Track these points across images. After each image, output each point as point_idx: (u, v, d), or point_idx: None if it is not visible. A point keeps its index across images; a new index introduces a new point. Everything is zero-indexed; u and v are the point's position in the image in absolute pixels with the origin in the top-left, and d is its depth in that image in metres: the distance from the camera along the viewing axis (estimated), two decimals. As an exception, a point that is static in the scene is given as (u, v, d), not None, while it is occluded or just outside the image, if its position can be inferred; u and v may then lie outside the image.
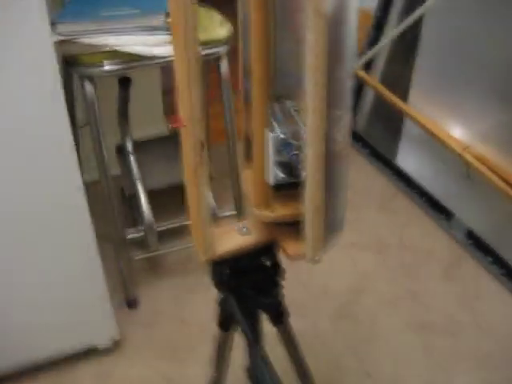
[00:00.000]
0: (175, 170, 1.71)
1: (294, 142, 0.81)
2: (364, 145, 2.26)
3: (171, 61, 0.74)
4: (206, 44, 1.48)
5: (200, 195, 0.83)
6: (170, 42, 1.41)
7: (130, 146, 1.66)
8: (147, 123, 2.04)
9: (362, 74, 2.18)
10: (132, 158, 1.66)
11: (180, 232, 1.78)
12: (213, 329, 1.58)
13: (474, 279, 1.74)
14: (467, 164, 1.76)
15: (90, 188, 1.38)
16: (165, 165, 1.73)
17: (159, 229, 1.66)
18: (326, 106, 0.68)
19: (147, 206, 1.62)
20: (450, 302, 1.68)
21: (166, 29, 1.41)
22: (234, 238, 0.93)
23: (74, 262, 1.38)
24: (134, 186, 1.65)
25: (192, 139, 0.78)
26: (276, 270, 0.96)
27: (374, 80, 2.18)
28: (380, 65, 2.22)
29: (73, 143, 1.23)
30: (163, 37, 1.41)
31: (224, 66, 1.55)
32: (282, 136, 0.80)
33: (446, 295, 1.70)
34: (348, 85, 0.70)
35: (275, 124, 0.81)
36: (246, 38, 0.80)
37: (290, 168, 0.83)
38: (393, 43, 2.12)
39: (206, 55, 1.49)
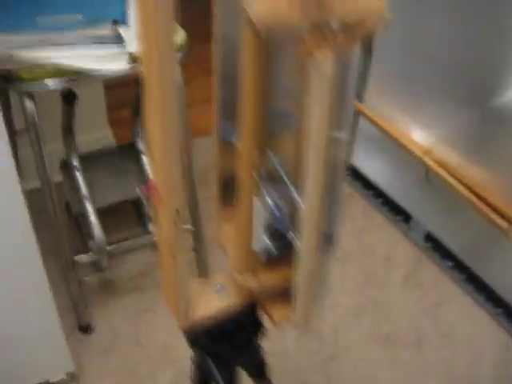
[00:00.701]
0: (124, 185, 1.62)
1: (284, 211, 0.73)
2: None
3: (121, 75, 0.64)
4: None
5: (176, 266, 0.74)
6: (120, 55, 1.30)
7: (76, 162, 1.54)
8: (91, 134, 1.91)
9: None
10: (78, 174, 1.54)
11: (132, 247, 1.69)
12: (173, 352, 1.52)
13: (435, 285, 1.74)
14: (427, 168, 1.73)
15: (34, 205, 1.25)
16: (113, 180, 1.61)
17: (110, 248, 1.55)
18: (324, 189, 0.61)
19: (98, 227, 1.51)
20: (412, 311, 1.67)
21: (115, 39, 1.29)
22: (211, 302, 0.85)
23: (19, 289, 1.26)
24: (82, 204, 1.53)
25: (167, 209, 0.69)
26: (257, 328, 0.89)
27: None
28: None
29: (10, 153, 1.08)
30: (112, 49, 1.29)
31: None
32: (271, 203, 0.72)
33: (407, 303, 1.69)
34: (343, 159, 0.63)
35: (262, 187, 0.73)
36: (227, 71, 0.71)
37: (279, 233, 0.76)
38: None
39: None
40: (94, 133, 1.95)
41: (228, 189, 0.84)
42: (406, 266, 1.80)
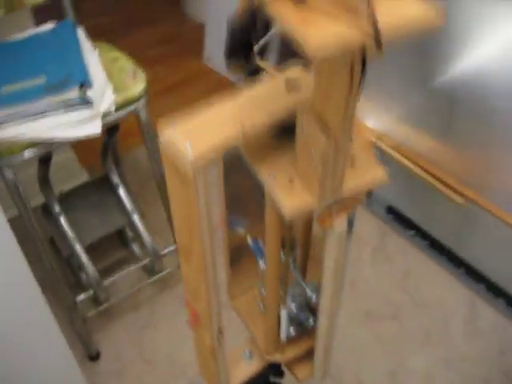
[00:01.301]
0: (107, 218, 1.69)
1: (304, 308, 0.86)
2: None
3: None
4: (123, 106, 1.41)
5: (218, 363, 0.86)
6: (92, 117, 1.34)
7: (57, 208, 1.59)
8: (65, 175, 1.94)
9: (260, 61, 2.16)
10: (62, 219, 1.60)
11: (119, 267, 1.79)
12: (179, 362, 1.66)
13: (402, 255, 1.92)
14: (382, 152, 1.86)
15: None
16: (95, 215, 1.68)
17: (107, 282, 1.65)
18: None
19: (90, 265, 1.59)
20: (386, 284, 1.85)
21: (84, 102, 1.33)
22: (243, 368, 0.98)
23: (26, 330, 1.32)
24: (70, 246, 1.60)
25: (210, 331, 0.81)
26: (280, 375, 1.03)
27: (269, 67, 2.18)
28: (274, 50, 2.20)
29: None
30: (83, 112, 1.33)
31: (144, 115, 1.49)
32: (295, 309, 0.85)
33: (380, 277, 1.87)
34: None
35: (287, 298, 0.85)
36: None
37: (301, 322, 0.89)
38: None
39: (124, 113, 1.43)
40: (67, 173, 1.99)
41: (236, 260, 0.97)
42: (372, 240, 1.97)
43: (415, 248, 1.93)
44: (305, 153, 0.65)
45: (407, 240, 1.95)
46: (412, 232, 1.94)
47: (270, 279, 0.83)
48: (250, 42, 0.54)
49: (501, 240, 1.74)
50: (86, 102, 1.33)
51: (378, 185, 0.70)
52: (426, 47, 1.74)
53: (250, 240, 0.95)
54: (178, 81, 2.46)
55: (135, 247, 1.83)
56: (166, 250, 1.73)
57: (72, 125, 1.32)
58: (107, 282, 1.65)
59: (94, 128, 1.32)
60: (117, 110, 1.39)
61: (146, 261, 1.72)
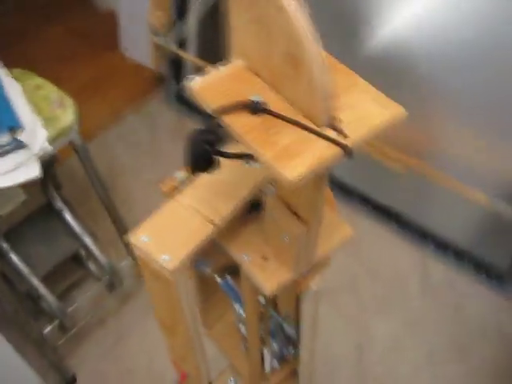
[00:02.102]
0: (57, 245, 1.66)
1: (286, 346, 0.90)
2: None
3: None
4: (57, 137, 1.37)
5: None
6: (28, 160, 1.29)
7: (4, 245, 1.55)
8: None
9: (178, 50, 2.13)
10: (12, 256, 1.56)
11: (78, 287, 1.78)
12: (158, 366, 1.69)
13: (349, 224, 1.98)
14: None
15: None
16: (45, 245, 1.64)
17: (70, 309, 1.64)
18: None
19: (52, 299, 1.57)
20: (339, 256, 1.92)
21: (17, 146, 1.28)
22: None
23: None
24: (26, 281, 1.57)
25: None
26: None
27: (189, 55, 2.15)
28: (193, 38, 2.17)
29: None
30: (18, 157, 1.28)
31: (79, 141, 1.46)
32: (276, 347, 0.88)
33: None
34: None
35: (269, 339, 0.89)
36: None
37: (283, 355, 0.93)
38: (203, 9, 2.06)
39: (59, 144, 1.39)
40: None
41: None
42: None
43: (361, 215, 2.00)
44: (276, 235, 0.66)
45: (352, 208, 2.01)
46: (356, 199, 2.01)
47: (251, 330, 0.85)
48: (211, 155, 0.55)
49: (444, 199, 1.83)
50: (19, 146, 1.28)
51: (345, 242, 0.73)
52: (348, 20, 1.75)
53: (219, 280, 0.96)
54: (97, 77, 2.37)
55: (91, 265, 1.81)
56: (122, 264, 1.73)
57: (9, 171, 1.27)
58: (70, 308, 1.64)
59: (33, 171, 1.28)
60: (51, 142, 1.35)
61: (104, 278, 1.71)
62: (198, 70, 2.00)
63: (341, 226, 0.73)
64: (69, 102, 1.42)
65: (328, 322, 1.78)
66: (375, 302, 1.82)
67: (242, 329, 0.96)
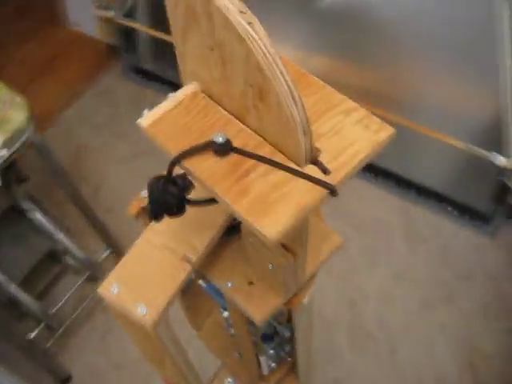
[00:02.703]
0: (29, 248, 1.59)
1: (282, 347, 0.86)
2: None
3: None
4: (13, 140, 1.28)
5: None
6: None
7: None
8: None
9: (127, 20, 2.01)
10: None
11: (59, 283, 1.72)
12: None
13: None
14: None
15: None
16: (17, 249, 1.57)
17: (54, 310, 1.58)
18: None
19: (34, 303, 1.52)
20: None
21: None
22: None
23: None
24: (4, 289, 1.51)
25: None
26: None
27: (139, 24, 2.03)
28: (142, 4, 2.04)
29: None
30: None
31: (37, 140, 1.36)
32: (272, 352, 0.84)
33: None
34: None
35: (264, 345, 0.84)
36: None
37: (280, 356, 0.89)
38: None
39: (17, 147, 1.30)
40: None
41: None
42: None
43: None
44: (259, 262, 0.60)
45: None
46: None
47: (244, 340, 0.80)
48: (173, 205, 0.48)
49: (420, 148, 1.79)
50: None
51: (335, 252, 0.68)
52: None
53: (203, 283, 0.91)
54: (49, 56, 2.23)
55: (69, 260, 1.74)
56: (102, 256, 1.67)
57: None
58: (54, 309, 1.58)
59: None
60: (6, 146, 1.26)
61: (85, 273, 1.65)
62: (152, 38, 1.88)
63: (328, 235, 0.67)
64: (20, 101, 1.32)
65: (319, 284, 1.75)
66: (363, 255, 1.79)
67: (232, 331, 0.91)
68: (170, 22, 0.47)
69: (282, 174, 0.44)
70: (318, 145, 0.45)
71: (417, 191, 1.86)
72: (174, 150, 0.46)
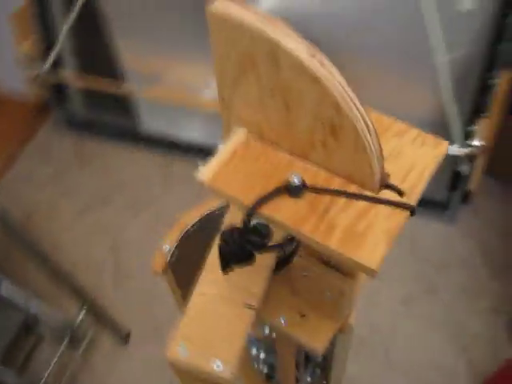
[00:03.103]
0: (3, 323, 1.50)
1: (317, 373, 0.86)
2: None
3: None
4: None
5: None
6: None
7: None
8: None
9: (55, 74, 1.96)
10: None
11: (37, 352, 1.65)
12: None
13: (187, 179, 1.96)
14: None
15: None
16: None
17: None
18: None
19: (15, 379, 1.44)
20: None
21: None
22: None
23: None
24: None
25: None
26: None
27: (69, 75, 1.99)
28: (68, 56, 2.00)
29: None
30: None
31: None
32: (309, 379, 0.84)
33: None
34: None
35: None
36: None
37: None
38: (73, 26, 1.90)
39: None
40: None
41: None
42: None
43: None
44: (314, 292, 0.60)
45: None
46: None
47: (287, 375, 0.80)
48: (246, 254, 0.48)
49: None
50: None
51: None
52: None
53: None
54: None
55: (45, 328, 1.66)
56: (79, 318, 1.61)
57: None
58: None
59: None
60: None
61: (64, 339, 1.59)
62: (82, 88, 1.85)
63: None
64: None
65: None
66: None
67: (261, 367, 0.91)
68: (217, 72, 0.46)
69: (361, 204, 0.45)
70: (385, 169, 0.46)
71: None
72: (247, 200, 0.45)
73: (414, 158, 0.47)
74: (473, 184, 1.78)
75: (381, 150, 0.44)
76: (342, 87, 0.40)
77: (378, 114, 0.50)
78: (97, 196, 2.04)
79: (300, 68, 0.40)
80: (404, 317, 1.71)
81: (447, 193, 1.84)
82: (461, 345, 1.63)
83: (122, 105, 2.06)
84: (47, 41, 1.92)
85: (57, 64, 1.96)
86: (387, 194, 0.45)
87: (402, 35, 1.57)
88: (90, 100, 2.15)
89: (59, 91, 2.07)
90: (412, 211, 0.45)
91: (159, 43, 1.86)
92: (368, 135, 0.42)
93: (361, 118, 0.41)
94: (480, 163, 1.71)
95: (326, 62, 0.40)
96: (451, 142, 1.61)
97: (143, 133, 2.12)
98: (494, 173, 1.91)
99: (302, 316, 0.64)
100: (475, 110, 1.62)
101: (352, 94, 0.41)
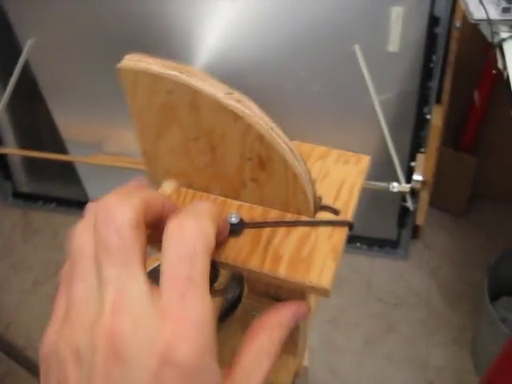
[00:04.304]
0: None
1: None
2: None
3: None
4: None
5: None
6: None
7: None
8: None
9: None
10: None
11: None
12: None
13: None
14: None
15: None
16: None
17: None
18: None
19: None
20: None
21: None
22: None
23: None
24: None
25: None
26: None
27: (9, 149, 2.00)
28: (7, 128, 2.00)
29: None
30: None
31: None
32: None
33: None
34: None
35: None
36: None
37: None
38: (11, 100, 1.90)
39: None
40: None
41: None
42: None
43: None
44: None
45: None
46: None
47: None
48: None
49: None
50: None
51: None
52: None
53: None
54: None
55: None
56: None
57: None
58: None
59: None
60: None
61: None
62: (23, 159, 1.88)
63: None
64: None
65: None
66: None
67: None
68: (137, 129, 0.47)
69: (301, 229, 0.46)
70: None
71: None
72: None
73: (341, 176, 0.49)
74: (420, 218, 1.84)
75: (310, 175, 0.45)
76: (263, 120, 0.42)
77: (297, 141, 0.52)
78: (48, 268, 1.98)
79: (219, 108, 0.41)
80: (366, 358, 1.71)
81: (397, 230, 1.89)
82: (427, 379, 1.63)
83: (67, 174, 2.05)
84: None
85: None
86: (324, 215, 0.47)
87: (338, 77, 1.64)
88: (35, 171, 2.15)
89: (3, 164, 2.07)
90: (350, 226, 0.46)
91: (98, 110, 1.88)
92: (296, 163, 0.43)
93: (286, 147, 0.43)
94: (424, 197, 1.78)
95: (243, 98, 0.42)
96: (395, 179, 1.67)
97: (89, 200, 2.09)
98: (439, 205, 1.98)
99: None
100: (414, 146, 1.70)
101: (273, 125, 0.42)
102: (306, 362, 0.73)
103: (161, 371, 0.28)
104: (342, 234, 0.45)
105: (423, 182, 1.68)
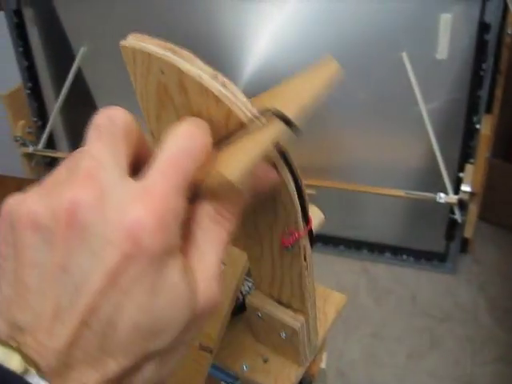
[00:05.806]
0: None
1: None
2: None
3: None
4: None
5: None
6: None
7: None
8: None
9: (50, 152, 2.04)
10: None
11: None
12: None
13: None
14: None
15: None
16: None
17: None
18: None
19: None
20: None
21: None
22: None
23: None
24: None
25: None
26: None
27: (63, 153, 2.08)
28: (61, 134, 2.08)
29: None
30: None
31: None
32: None
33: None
34: None
35: None
36: None
37: None
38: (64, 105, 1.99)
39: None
40: None
41: None
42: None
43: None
44: (271, 333, 0.59)
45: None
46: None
47: None
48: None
49: (364, 206, 1.85)
50: None
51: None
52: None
53: None
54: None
55: None
56: None
57: None
58: None
59: None
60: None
61: None
62: None
63: (331, 295, 0.68)
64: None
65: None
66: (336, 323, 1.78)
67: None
68: (142, 109, 0.48)
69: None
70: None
71: (370, 249, 1.91)
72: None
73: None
74: (469, 231, 1.78)
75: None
76: (245, 106, 0.41)
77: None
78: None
79: (202, 90, 0.41)
80: (408, 373, 1.65)
81: (445, 243, 1.84)
82: (467, 399, 1.57)
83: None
84: (41, 120, 2.01)
85: (51, 141, 2.04)
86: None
87: (386, 85, 1.62)
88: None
89: (53, 168, 2.15)
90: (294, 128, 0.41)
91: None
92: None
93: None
94: (473, 209, 1.71)
95: (229, 83, 0.42)
96: (443, 190, 1.62)
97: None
98: (490, 218, 1.91)
99: (265, 361, 0.62)
100: (462, 156, 1.65)
101: (255, 111, 0.42)
102: (323, 365, 0.71)
103: (125, 245, 0.27)
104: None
105: (472, 194, 1.62)
